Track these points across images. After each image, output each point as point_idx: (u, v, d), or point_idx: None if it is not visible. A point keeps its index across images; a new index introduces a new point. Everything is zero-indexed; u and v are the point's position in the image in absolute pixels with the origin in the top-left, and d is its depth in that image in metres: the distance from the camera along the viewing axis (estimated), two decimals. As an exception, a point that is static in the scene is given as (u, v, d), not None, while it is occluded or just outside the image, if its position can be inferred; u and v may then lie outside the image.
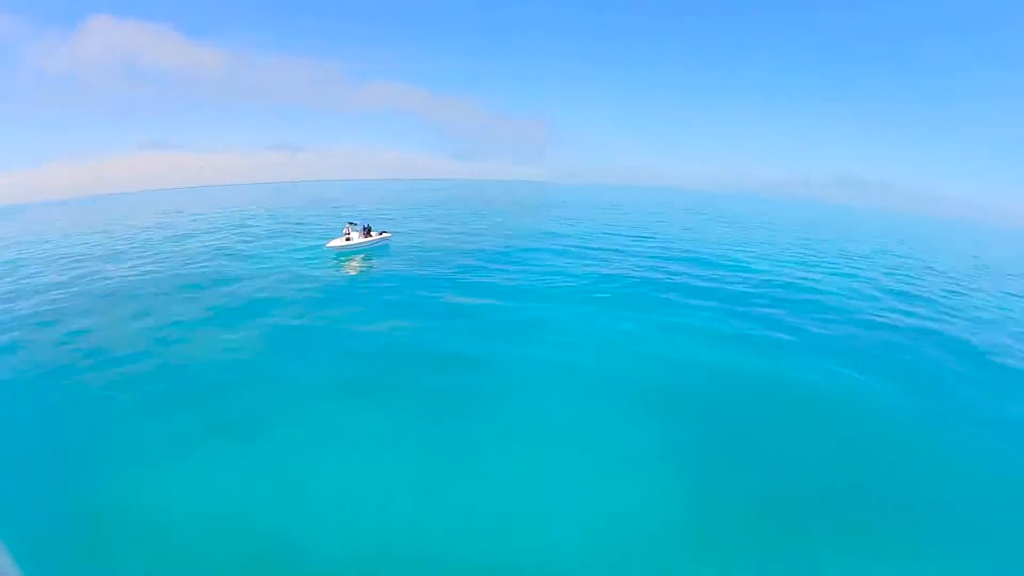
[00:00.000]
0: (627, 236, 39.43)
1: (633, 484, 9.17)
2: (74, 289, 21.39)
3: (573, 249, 31.63)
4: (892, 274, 30.02)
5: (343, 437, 10.31)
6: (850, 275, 28.76)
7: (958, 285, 29.08)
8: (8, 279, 23.98)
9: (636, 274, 25.23)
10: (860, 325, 18.77)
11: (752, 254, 33.95)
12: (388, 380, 12.77)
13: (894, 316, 20.17)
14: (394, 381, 12.69)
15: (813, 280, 26.29)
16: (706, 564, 7.52)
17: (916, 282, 28.53)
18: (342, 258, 27.22)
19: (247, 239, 34.75)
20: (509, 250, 30.56)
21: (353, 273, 24.92)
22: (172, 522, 7.85)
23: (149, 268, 25.16)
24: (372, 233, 30.11)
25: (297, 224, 43.47)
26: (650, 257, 30.26)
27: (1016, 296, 27.38)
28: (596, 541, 7.88)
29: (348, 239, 28.30)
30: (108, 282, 22.59)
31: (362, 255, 28.02)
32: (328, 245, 27.89)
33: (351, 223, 29.75)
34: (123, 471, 9.10)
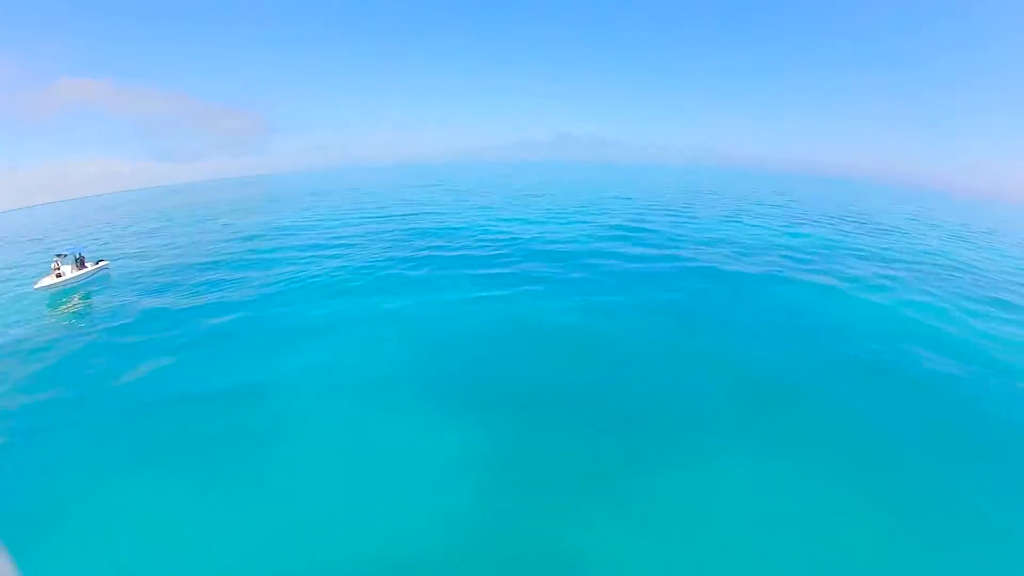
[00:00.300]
0: (367, 218, 44.11)
1: (433, 453, 10.59)
2: None
3: (313, 243, 34.07)
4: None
5: (122, 533, 8.84)
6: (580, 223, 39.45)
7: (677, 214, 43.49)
8: None
9: (384, 256, 28.54)
10: (603, 272, 24.78)
11: (491, 218, 41.51)
12: (153, 442, 11.45)
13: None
14: (159, 441, 11.48)
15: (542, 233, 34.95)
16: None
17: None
18: (59, 299, 24.12)
19: None
20: (247, 257, 31.11)
21: (75, 315, 21.91)
22: None
23: None
24: (87, 264, 27.56)
25: None
26: (393, 240, 33.94)
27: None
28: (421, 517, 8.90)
29: (59, 275, 25.18)
30: None
31: (80, 291, 25.26)
32: (37, 286, 24.38)
33: (59, 255, 26.31)
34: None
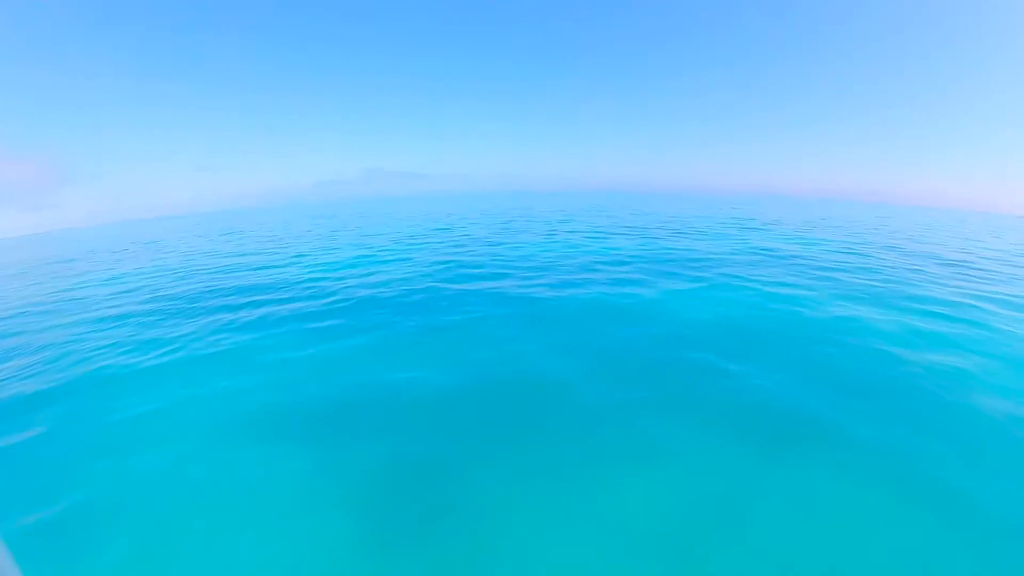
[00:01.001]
0: (180, 277, 37.00)
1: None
2: None
3: (121, 312, 27.78)
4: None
5: None
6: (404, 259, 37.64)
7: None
8: None
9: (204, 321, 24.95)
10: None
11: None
12: None
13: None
14: None
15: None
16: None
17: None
18: None
19: None
20: (45, 337, 24.18)
21: None
22: None
23: None
24: None
25: None
26: (188, 297, 29.98)
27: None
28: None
29: None
30: None
31: None
32: None
33: None
34: None
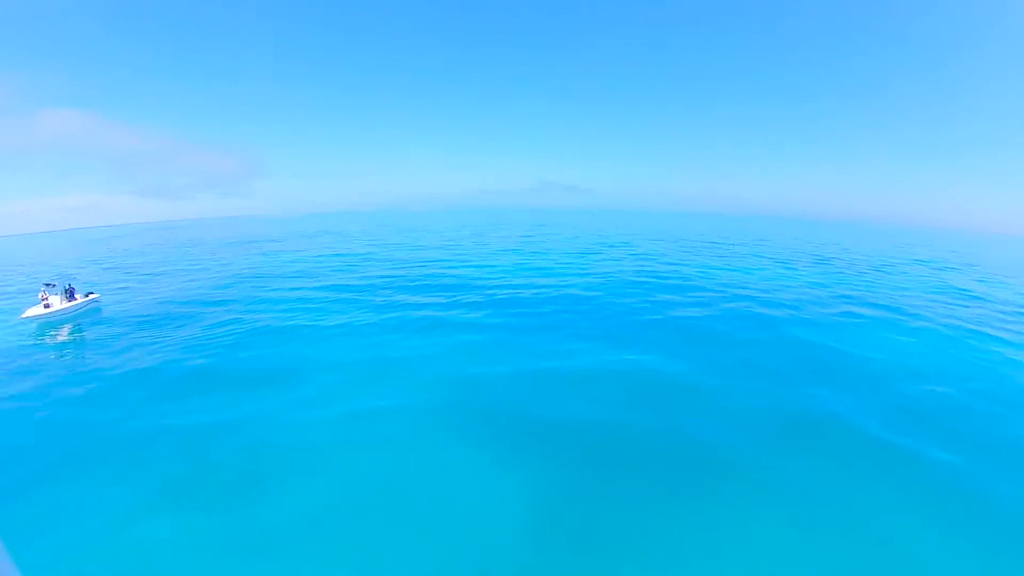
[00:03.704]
0: (365, 262, 41.58)
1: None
2: None
3: (322, 285, 31.74)
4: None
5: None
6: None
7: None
8: None
9: (382, 300, 27.07)
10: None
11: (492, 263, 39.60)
12: (140, 475, 10.75)
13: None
14: (146, 474, 10.75)
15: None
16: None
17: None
18: (47, 330, 22.74)
19: None
20: (245, 295, 29.41)
21: (62, 345, 20.84)
22: None
23: None
24: (77, 296, 25.98)
25: None
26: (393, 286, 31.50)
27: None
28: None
29: (47, 305, 23.86)
30: None
31: (70, 323, 23.83)
32: (25, 315, 23.09)
33: (48, 284, 25.03)
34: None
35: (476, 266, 39.64)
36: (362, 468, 10.72)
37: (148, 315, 25.07)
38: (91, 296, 27.04)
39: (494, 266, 39.67)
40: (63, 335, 22.34)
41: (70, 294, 25.59)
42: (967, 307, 27.74)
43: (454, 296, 26.94)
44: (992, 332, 22.00)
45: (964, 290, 34.10)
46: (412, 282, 32.14)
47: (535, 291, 28.07)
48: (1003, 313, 26.47)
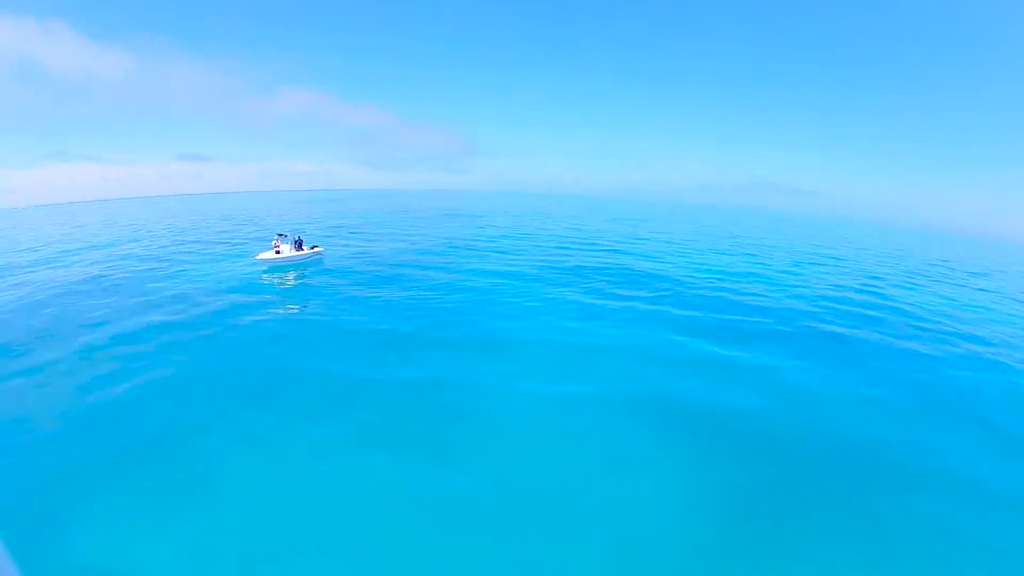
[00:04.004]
0: (574, 245, 39.82)
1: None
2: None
3: (518, 260, 31.12)
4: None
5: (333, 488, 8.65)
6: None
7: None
8: None
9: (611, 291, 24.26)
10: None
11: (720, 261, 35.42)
12: (358, 414, 11.28)
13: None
14: (364, 416, 11.20)
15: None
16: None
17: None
18: (274, 272, 25.24)
19: (173, 248, 31.94)
20: (455, 263, 29.50)
21: (287, 287, 22.97)
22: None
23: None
24: (304, 247, 28.38)
25: (219, 234, 41.28)
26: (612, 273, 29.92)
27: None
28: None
29: (278, 252, 26.52)
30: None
31: (295, 270, 26.05)
32: (258, 257, 26.14)
33: (280, 235, 27.90)
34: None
35: (684, 263, 34.58)
36: (550, 449, 10.24)
37: (364, 271, 26.18)
38: (316, 249, 29.32)
39: (702, 265, 34.54)
40: (288, 279, 24.44)
41: (299, 244, 28.03)
42: None
43: (659, 291, 24.23)
44: None
45: None
46: (617, 271, 29.51)
47: (743, 296, 24.41)
48: None
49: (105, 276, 24.24)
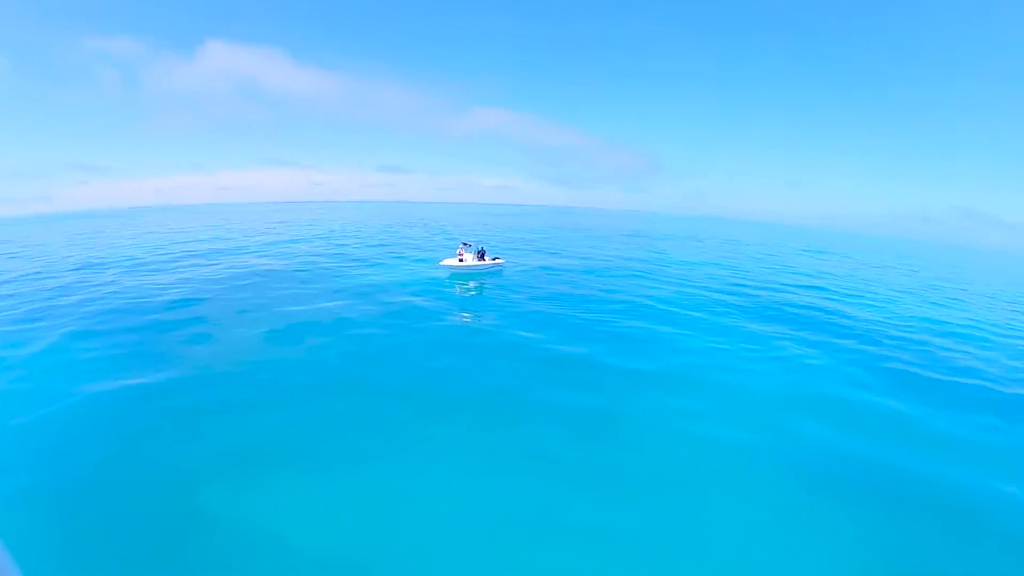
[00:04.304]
0: (759, 277, 33.54)
1: None
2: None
3: (698, 288, 26.81)
4: None
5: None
6: None
7: None
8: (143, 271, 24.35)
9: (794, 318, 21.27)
10: None
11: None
12: (520, 411, 11.40)
13: None
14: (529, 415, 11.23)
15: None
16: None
17: None
18: (456, 279, 25.30)
19: (371, 249, 35.71)
20: (633, 286, 26.48)
21: (466, 294, 22.88)
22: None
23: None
24: (486, 257, 27.66)
25: (407, 240, 44.73)
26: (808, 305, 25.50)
27: None
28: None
29: (461, 259, 26.58)
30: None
31: (475, 279, 25.78)
32: (442, 263, 26.59)
33: (465, 243, 27.92)
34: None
35: (881, 305, 27.18)
36: (711, 497, 8.75)
37: (541, 287, 24.83)
38: (497, 260, 28.42)
39: (904, 308, 26.92)
40: (467, 286, 24.32)
41: (481, 254, 27.39)
42: None
43: (851, 335, 19.60)
44: None
45: None
46: (806, 309, 23.95)
47: (953, 352, 18.66)
48: None
49: (304, 268, 26.90)
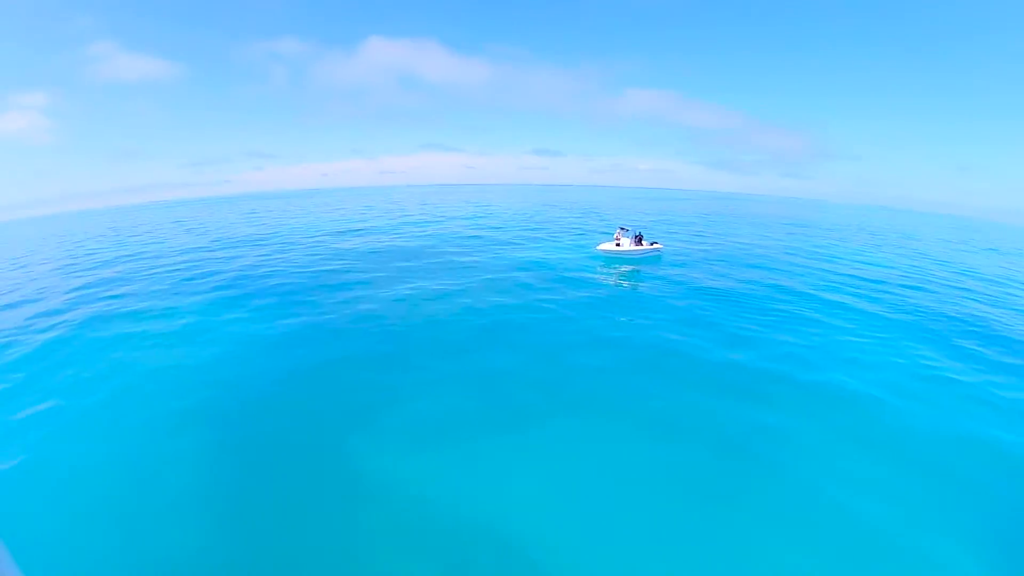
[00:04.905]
0: (941, 281, 26.46)
1: None
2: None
3: (869, 292, 21.93)
4: None
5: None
6: None
7: None
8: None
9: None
10: None
11: None
12: (659, 404, 10.76)
13: None
14: (674, 410, 10.55)
15: None
16: None
17: None
18: (612, 263, 24.55)
19: (525, 231, 36.99)
20: (795, 285, 22.73)
21: (621, 281, 22.02)
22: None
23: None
24: (643, 242, 26.50)
25: (560, 222, 44.71)
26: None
27: None
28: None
29: (618, 244, 25.73)
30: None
31: (631, 264, 24.70)
32: (598, 248, 26.10)
33: (622, 228, 27.00)
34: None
35: None
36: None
37: (698, 276, 22.96)
38: (655, 245, 27.13)
39: None
40: (622, 271, 23.41)
41: (638, 240, 26.36)
42: None
43: None
44: None
45: None
46: (998, 328, 18.08)
47: None
48: None
49: (458, 247, 28.38)
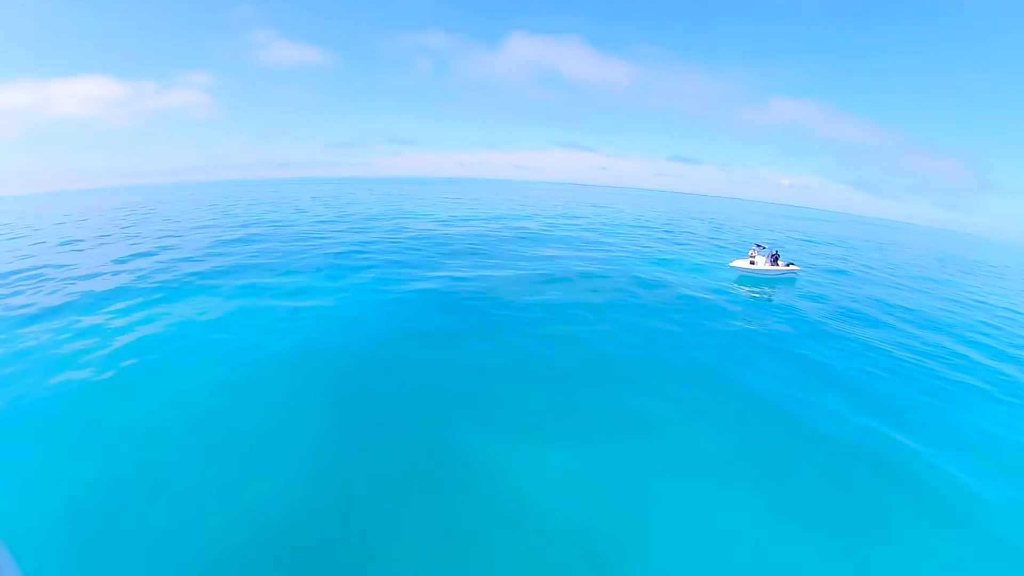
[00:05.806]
0: None
1: None
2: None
3: None
4: None
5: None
6: None
7: None
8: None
9: None
10: None
11: None
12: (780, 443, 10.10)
13: None
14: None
15: None
16: None
17: None
18: (744, 283, 24.24)
19: (652, 239, 37.46)
20: (951, 322, 20.59)
21: (753, 299, 21.89)
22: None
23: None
24: (779, 262, 25.71)
25: (698, 234, 44.33)
26: None
27: None
28: None
29: (752, 263, 25.32)
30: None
31: (766, 285, 24.30)
32: (731, 264, 25.86)
33: (758, 245, 26.46)
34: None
35: None
36: None
37: (838, 306, 21.67)
38: (791, 267, 26.22)
39: None
40: (754, 291, 23.13)
41: (774, 259, 25.73)
42: None
43: None
44: None
45: None
46: None
47: None
48: None
49: (587, 249, 29.28)
